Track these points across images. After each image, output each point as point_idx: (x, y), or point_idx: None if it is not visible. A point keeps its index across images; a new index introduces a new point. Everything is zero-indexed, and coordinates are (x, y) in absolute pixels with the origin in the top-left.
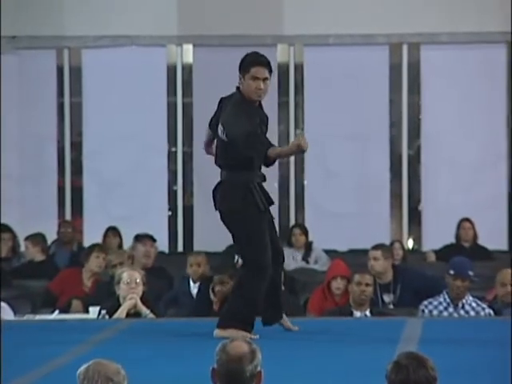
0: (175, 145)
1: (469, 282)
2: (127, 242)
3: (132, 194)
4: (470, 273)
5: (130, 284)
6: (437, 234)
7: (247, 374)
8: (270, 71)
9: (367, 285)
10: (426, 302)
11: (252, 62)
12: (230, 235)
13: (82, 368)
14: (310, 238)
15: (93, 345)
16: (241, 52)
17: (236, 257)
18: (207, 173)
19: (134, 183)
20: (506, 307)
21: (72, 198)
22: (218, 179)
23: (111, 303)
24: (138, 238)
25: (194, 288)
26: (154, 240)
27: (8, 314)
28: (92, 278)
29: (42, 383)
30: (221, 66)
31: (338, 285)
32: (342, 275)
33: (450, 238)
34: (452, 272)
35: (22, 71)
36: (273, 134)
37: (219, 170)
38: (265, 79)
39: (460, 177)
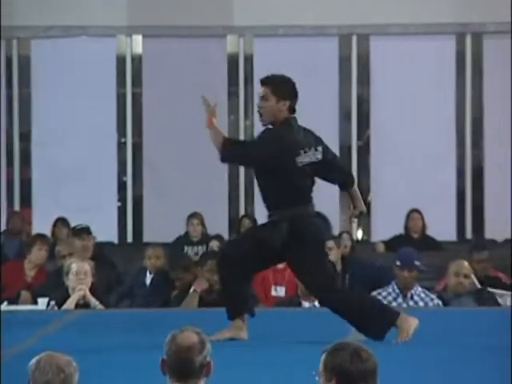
0: (125, 135)
1: (416, 272)
2: None
3: (81, 184)
4: (417, 263)
5: (79, 275)
6: (386, 225)
7: (197, 364)
8: (270, 87)
9: None
10: (375, 293)
11: None
12: (179, 226)
13: (34, 360)
14: None
15: (42, 336)
16: (191, 42)
17: (185, 248)
18: (157, 163)
19: (84, 174)
20: (456, 297)
21: (21, 188)
22: (169, 169)
23: (60, 294)
24: (74, 232)
25: (148, 279)
26: (90, 232)
27: None
28: (35, 268)
29: None
30: (170, 56)
31: None
32: None
33: (399, 229)
34: (399, 263)
35: None
36: (222, 125)
37: (171, 161)
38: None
39: (409, 168)
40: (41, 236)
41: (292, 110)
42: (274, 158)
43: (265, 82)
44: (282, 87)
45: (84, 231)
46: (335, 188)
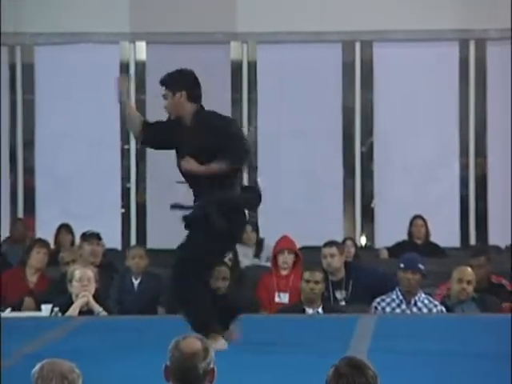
0: (128, 142)
1: (420, 275)
2: None
3: (85, 191)
4: (421, 266)
5: (83, 281)
6: (389, 231)
7: (200, 371)
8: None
9: (317, 282)
10: (378, 299)
11: None
12: (182, 233)
13: (37, 367)
14: (262, 235)
15: (46, 342)
16: (194, 49)
17: None
18: (160, 170)
19: (88, 181)
20: (459, 304)
21: (24, 196)
22: (172, 175)
23: (64, 301)
24: (85, 237)
25: (135, 283)
26: (100, 238)
27: None
28: (36, 273)
29: None
30: (174, 63)
31: (284, 258)
32: (289, 249)
33: (402, 235)
34: (402, 265)
35: None
36: None
37: (175, 167)
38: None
39: (413, 174)
40: (40, 240)
41: (194, 97)
42: None
43: (162, 82)
44: (173, 81)
45: (94, 236)
46: None
